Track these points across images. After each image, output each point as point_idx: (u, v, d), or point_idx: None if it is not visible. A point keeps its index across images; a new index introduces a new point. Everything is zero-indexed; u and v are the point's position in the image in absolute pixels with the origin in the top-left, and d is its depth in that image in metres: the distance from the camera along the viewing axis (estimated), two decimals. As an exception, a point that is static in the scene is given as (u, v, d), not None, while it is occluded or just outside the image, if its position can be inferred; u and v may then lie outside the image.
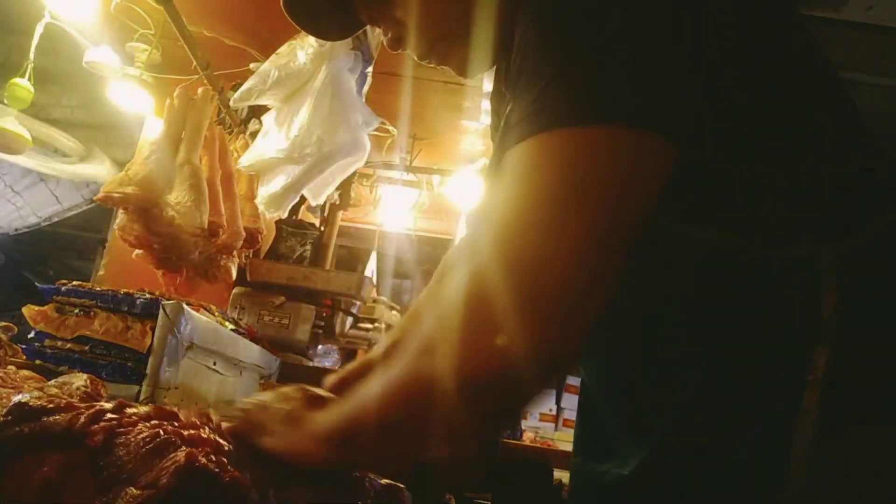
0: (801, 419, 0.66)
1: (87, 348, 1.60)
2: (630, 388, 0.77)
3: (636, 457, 0.76)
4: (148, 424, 0.65)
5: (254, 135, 2.74)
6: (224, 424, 0.75)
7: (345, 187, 3.61)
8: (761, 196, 0.68)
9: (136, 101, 2.80)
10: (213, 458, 0.61)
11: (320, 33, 1.13)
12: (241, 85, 2.44)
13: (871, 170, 0.74)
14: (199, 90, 2.72)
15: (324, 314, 3.13)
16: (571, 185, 0.60)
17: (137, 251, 2.56)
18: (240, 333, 2.14)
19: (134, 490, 0.56)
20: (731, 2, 0.68)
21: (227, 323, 2.08)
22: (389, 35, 0.96)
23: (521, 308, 0.58)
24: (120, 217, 2.50)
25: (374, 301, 3.81)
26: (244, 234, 2.83)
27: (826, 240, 0.68)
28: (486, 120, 3.10)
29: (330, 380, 1.10)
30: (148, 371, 1.55)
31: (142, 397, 1.54)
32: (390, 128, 3.37)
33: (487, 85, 2.98)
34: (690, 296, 0.69)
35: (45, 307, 1.67)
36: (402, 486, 0.91)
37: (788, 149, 0.69)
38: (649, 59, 0.61)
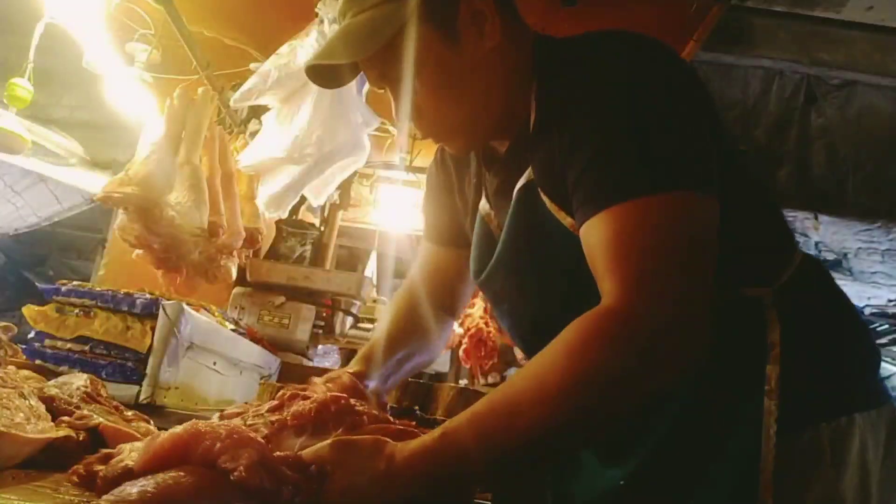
0: (766, 419, 0.90)
1: (87, 348, 1.60)
2: None
3: (636, 456, 0.98)
4: None
5: (254, 135, 2.74)
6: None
7: (345, 187, 3.61)
8: (725, 252, 0.85)
9: (136, 101, 2.79)
10: None
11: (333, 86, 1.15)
12: (241, 85, 2.44)
13: (781, 233, 1.04)
14: (199, 90, 2.72)
15: (324, 314, 3.12)
16: (687, 240, 0.80)
17: (137, 251, 2.56)
18: (240, 333, 2.14)
19: None
20: (714, 117, 0.93)
21: (227, 323, 2.08)
22: (400, 112, 1.00)
23: (674, 321, 0.77)
24: (120, 217, 2.49)
25: (374, 301, 3.81)
26: (244, 234, 2.83)
27: (765, 286, 0.96)
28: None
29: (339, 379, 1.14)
30: (148, 371, 1.55)
31: (142, 397, 1.53)
32: (390, 128, 3.37)
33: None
34: None
35: (45, 307, 1.67)
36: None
37: (742, 217, 0.91)
38: (701, 148, 0.86)
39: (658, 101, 0.85)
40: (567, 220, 0.92)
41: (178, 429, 0.71)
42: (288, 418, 0.81)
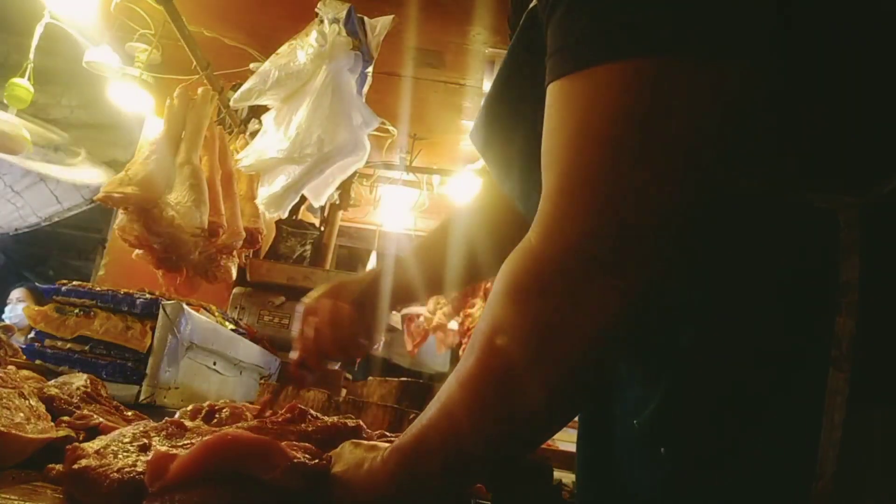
0: (829, 401, 0.59)
1: (87, 348, 1.60)
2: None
3: (648, 402, 0.70)
4: None
5: (254, 135, 2.74)
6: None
7: (345, 187, 3.61)
8: (785, 137, 0.61)
9: (136, 101, 2.80)
10: None
11: None
12: (241, 85, 2.44)
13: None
14: (199, 90, 2.72)
15: (324, 314, 3.12)
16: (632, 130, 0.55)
17: (137, 251, 2.56)
18: (240, 333, 2.14)
19: None
20: None
21: (227, 323, 2.08)
22: None
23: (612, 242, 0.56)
24: (120, 217, 2.50)
25: (374, 301, 3.80)
26: (244, 234, 2.84)
27: (850, 191, 0.60)
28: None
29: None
30: (148, 371, 1.55)
31: (142, 397, 1.54)
32: (390, 128, 3.38)
33: (487, 84, 2.98)
34: (696, 240, 0.61)
35: (45, 307, 1.67)
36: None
37: (825, 86, 0.62)
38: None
39: None
40: None
41: (200, 444, 0.72)
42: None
